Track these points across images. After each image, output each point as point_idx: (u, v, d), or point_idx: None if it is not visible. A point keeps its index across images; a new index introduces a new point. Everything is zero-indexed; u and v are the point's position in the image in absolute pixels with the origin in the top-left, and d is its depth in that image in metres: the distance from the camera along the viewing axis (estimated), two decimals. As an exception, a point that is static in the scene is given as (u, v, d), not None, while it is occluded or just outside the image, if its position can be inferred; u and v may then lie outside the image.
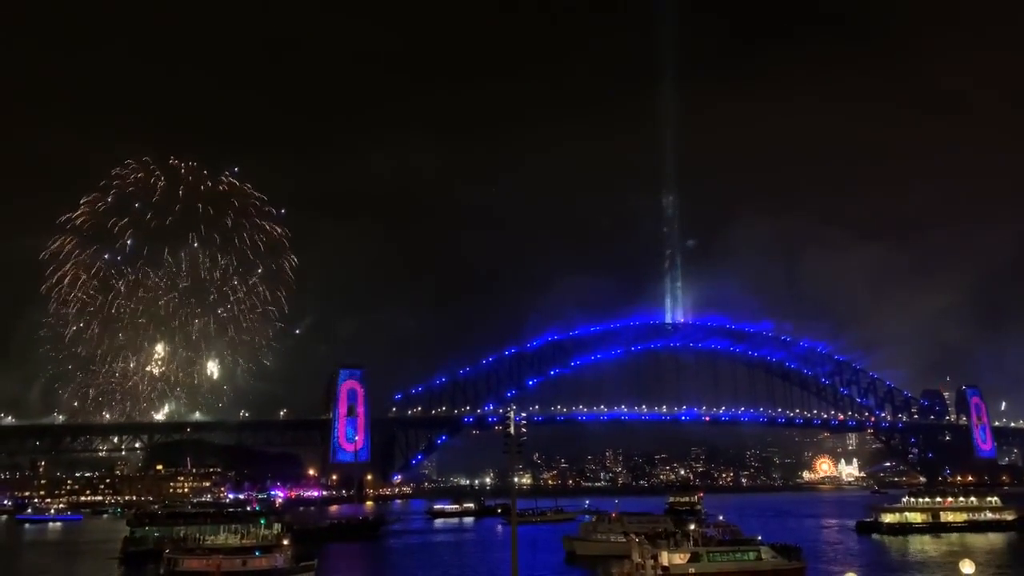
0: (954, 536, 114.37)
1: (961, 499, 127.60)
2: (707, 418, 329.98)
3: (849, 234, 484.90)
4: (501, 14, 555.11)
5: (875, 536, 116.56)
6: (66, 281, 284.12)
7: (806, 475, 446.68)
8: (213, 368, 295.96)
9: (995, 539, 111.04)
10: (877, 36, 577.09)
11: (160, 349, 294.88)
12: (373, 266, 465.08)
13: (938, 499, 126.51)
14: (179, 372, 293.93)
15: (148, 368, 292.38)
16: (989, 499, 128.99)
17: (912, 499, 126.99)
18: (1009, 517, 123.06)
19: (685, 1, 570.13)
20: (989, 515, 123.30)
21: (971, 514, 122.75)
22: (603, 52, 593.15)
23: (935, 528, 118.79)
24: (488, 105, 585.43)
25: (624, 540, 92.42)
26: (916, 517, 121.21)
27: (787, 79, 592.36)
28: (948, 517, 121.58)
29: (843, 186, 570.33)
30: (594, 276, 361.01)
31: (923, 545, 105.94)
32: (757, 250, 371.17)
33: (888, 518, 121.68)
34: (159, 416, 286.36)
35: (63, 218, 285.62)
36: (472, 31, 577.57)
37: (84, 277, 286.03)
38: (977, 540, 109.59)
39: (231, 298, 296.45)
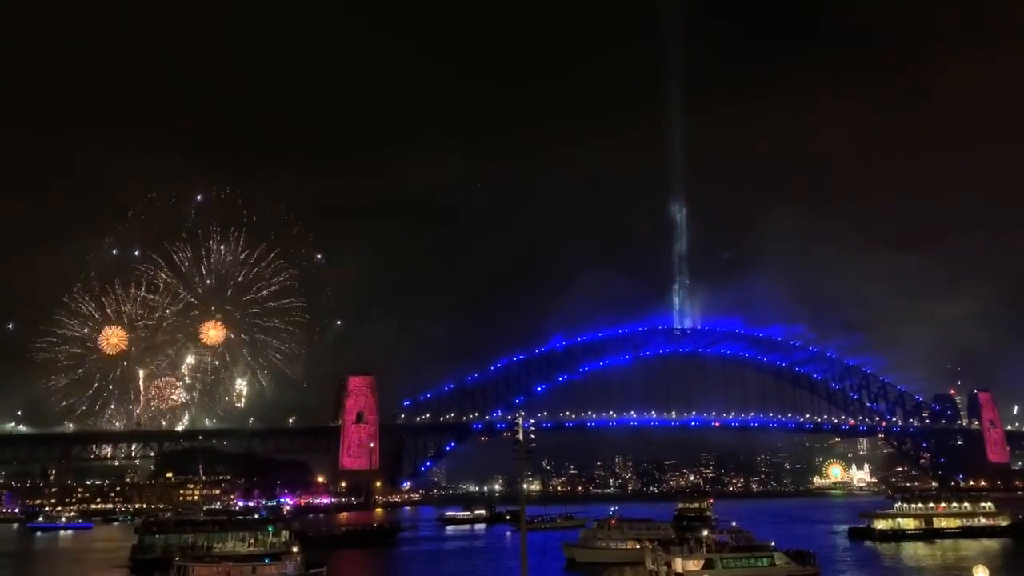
0: (948, 542, 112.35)
1: (955, 505, 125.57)
2: (717, 424, 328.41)
3: (863, 238, 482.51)
4: (524, 21, 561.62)
5: (867, 543, 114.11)
6: (90, 296, 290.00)
7: (817, 480, 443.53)
8: (242, 385, 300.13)
9: (989, 545, 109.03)
10: (889, 42, 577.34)
11: (190, 360, 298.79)
12: (392, 272, 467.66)
13: (931, 505, 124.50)
14: (206, 385, 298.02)
15: (173, 392, 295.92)
16: (983, 504, 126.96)
17: (905, 505, 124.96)
18: (1003, 523, 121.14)
19: (696, 9, 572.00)
20: (983, 521, 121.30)
21: (965, 520, 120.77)
22: (617, 58, 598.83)
23: (928, 534, 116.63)
24: (508, 111, 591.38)
25: (623, 547, 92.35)
26: (909, 523, 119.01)
27: (801, 84, 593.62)
28: (941, 523, 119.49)
29: (861, 190, 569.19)
30: (612, 281, 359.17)
31: (916, 552, 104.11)
32: (768, 254, 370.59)
33: (881, 524, 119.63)
34: (179, 426, 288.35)
35: (90, 255, 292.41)
36: (491, 40, 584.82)
37: (110, 293, 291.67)
38: (971, 546, 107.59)
39: (263, 321, 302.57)
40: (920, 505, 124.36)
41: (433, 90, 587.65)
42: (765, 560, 69.11)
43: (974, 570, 43.10)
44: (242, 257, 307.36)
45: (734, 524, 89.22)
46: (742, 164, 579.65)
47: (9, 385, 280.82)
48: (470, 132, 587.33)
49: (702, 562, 67.55)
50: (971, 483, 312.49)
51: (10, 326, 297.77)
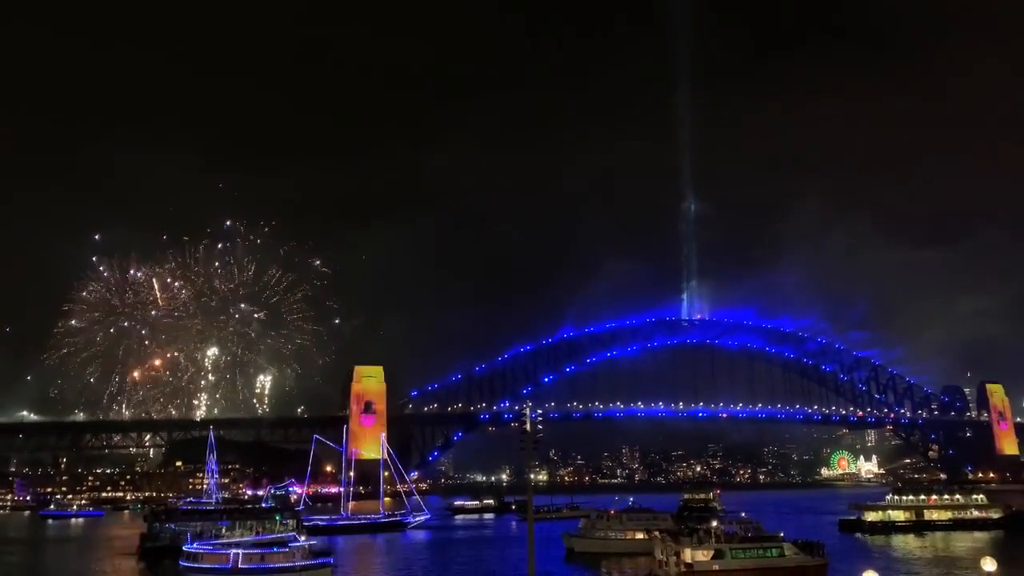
0: (938, 535, 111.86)
1: (946, 497, 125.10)
2: (724, 415, 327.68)
3: (877, 234, 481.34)
4: (541, 17, 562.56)
5: (857, 535, 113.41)
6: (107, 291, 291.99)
7: (824, 472, 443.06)
8: (265, 381, 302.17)
9: (980, 538, 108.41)
10: (908, 39, 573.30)
11: (213, 352, 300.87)
12: (411, 265, 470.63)
13: (922, 497, 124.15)
14: (230, 377, 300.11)
15: (201, 377, 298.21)
16: (975, 497, 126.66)
17: (896, 497, 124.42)
18: (995, 515, 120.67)
19: (706, 11, 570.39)
20: (975, 513, 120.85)
21: (956, 512, 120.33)
22: (634, 59, 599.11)
23: (919, 527, 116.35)
24: (526, 106, 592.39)
25: (622, 537, 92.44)
26: (899, 515, 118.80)
27: (819, 81, 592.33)
28: (932, 515, 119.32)
29: (878, 187, 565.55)
30: (625, 273, 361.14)
31: (908, 544, 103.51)
32: (781, 248, 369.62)
33: (871, 516, 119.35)
34: (197, 416, 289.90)
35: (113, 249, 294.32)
36: (505, 36, 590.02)
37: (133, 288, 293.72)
38: (962, 539, 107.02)
39: (287, 316, 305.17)
40: (911, 497, 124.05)
41: (451, 87, 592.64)
42: (774, 551, 68.92)
43: (982, 562, 42.89)
44: (284, 252, 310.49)
45: (743, 515, 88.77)
46: (758, 160, 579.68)
47: (22, 375, 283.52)
48: (489, 127, 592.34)
49: (712, 552, 67.41)
50: (980, 475, 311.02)
51: (8, 329, 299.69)
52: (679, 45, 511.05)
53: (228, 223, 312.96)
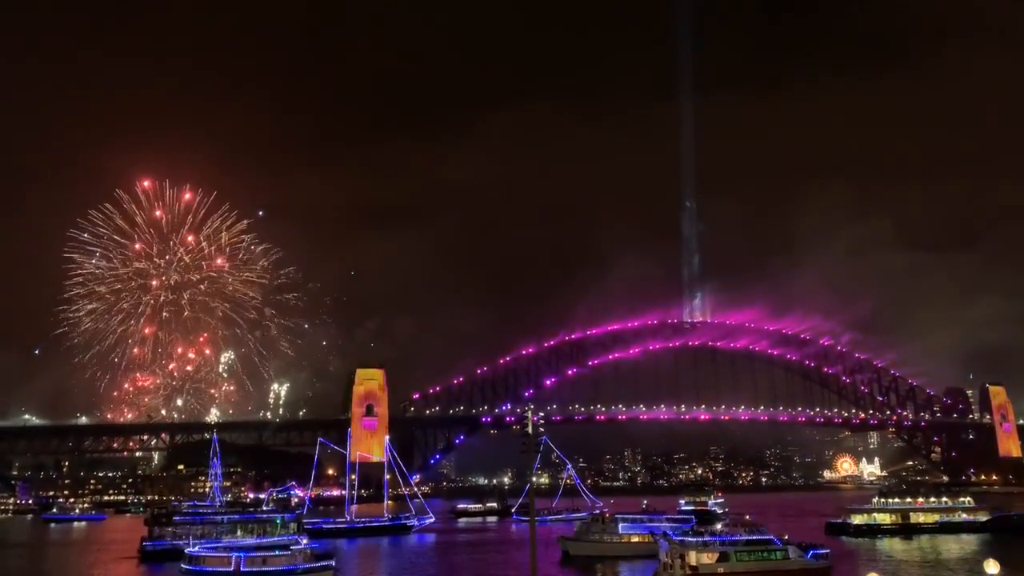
0: (925, 538, 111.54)
1: (932, 499, 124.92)
2: (725, 417, 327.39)
3: (881, 236, 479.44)
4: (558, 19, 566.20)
5: (843, 538, 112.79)
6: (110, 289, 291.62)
7: (827, 474, 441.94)
8: (279, 390, 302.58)
9: (967, 540, 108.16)
10: (915, 40, 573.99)
11: (228, 357, 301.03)
12: (421, 268, 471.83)
13: (908, 499, 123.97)
14: (248, 387, 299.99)
15: (215, 382, 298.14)
16: (962, 499, 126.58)
17: (882, 500, 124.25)
18: (982, 518, 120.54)
19: (710, 15, 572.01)
20: (962, 516, 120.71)
21: (942, 515, 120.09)
22: (640, 64, 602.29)
23: (905, 530, 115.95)
24: (537, 106, 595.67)
25: (617, 541, 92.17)
26: (885, 518, 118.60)
27: (827, 83, 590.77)
28: (919, 518, 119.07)
29: (885, 189, 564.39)
30: (629, 274, 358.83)
31: (892, 547, 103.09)
32: (784, 250, 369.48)
33: (857, 519, 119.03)
34: (210, 418, 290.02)
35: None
36: (517, 36, 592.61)
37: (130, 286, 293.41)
38: (949, 542, 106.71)
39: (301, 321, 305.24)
40: (897, 500, 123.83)
41: (464, 94, 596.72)
42: (778, 553, 68.81)
43: (985, 564, 42.73)
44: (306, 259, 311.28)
45: (747, 517, 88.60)
46: (763, 162, 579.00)
47: (25, 378, 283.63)
48: (501, 133, 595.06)
49: (716, 555, 67.28)
50: (982, 477, 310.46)
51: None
52: (684, 49, 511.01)
53: (254, 216, 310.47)
